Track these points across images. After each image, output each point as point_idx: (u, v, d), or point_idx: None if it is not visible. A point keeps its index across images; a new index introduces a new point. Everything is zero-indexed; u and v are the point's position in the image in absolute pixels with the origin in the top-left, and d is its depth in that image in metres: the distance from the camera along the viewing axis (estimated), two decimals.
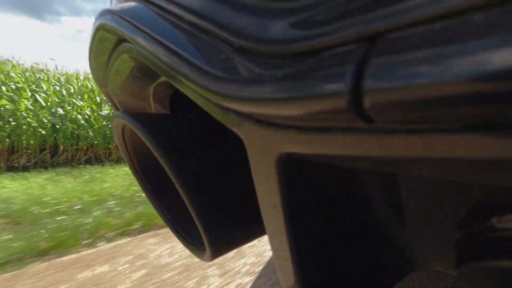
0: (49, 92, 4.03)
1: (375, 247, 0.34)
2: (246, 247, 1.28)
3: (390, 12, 0.14)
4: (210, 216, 0.37)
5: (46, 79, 4.71)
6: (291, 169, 0.24)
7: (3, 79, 3.98)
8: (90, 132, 3.76)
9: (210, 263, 1.13)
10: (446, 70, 0.12)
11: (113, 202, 2.00)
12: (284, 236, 0.27)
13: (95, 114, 3.94)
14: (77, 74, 6.38)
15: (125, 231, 1.55)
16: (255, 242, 1.30)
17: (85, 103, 4.12)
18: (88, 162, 3.61)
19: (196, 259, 1.16)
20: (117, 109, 0.65)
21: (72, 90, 4.57)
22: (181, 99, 0.56)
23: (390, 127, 0.14)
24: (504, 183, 0.16)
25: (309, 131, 0.19)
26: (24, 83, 4.05)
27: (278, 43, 0.21)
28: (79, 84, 5.18)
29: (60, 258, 1.23)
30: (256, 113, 0.22)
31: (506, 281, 0.25)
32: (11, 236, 1.42)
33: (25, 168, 3.10)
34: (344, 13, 0.16)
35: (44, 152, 3.43)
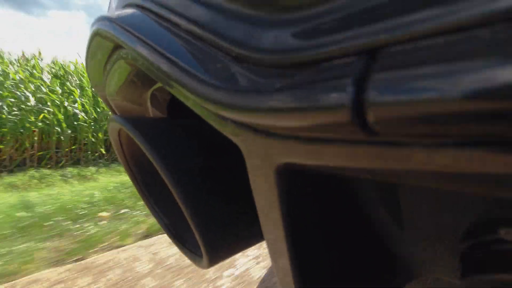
0: None
1: (376, 255, 0.34)
2: None
3: (391, 25, 0.14)
4: (207, 222, 0.37)
5: None
6: (290, 178, 0.23)
7: None
8: None
9: None
10: (448, 85, 0.11)
11: None
12: (283, 244, 0.27)
13: None
14: None
15: None
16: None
17: None
18: None
19: None
20: (114, 113, 0.64)
21: None
22: (178, 104, 0.55)
23: (394, 139, 0.14)
24: (507, 195, 0.16)
25: (309, 141, 0.19)
26: None
27: (276, 52, 0.20)
28: None
29: None
30: (254, 122, 0.22)
31: None
32: None
33: None
34: (345, 25, 0.16)
35: None
